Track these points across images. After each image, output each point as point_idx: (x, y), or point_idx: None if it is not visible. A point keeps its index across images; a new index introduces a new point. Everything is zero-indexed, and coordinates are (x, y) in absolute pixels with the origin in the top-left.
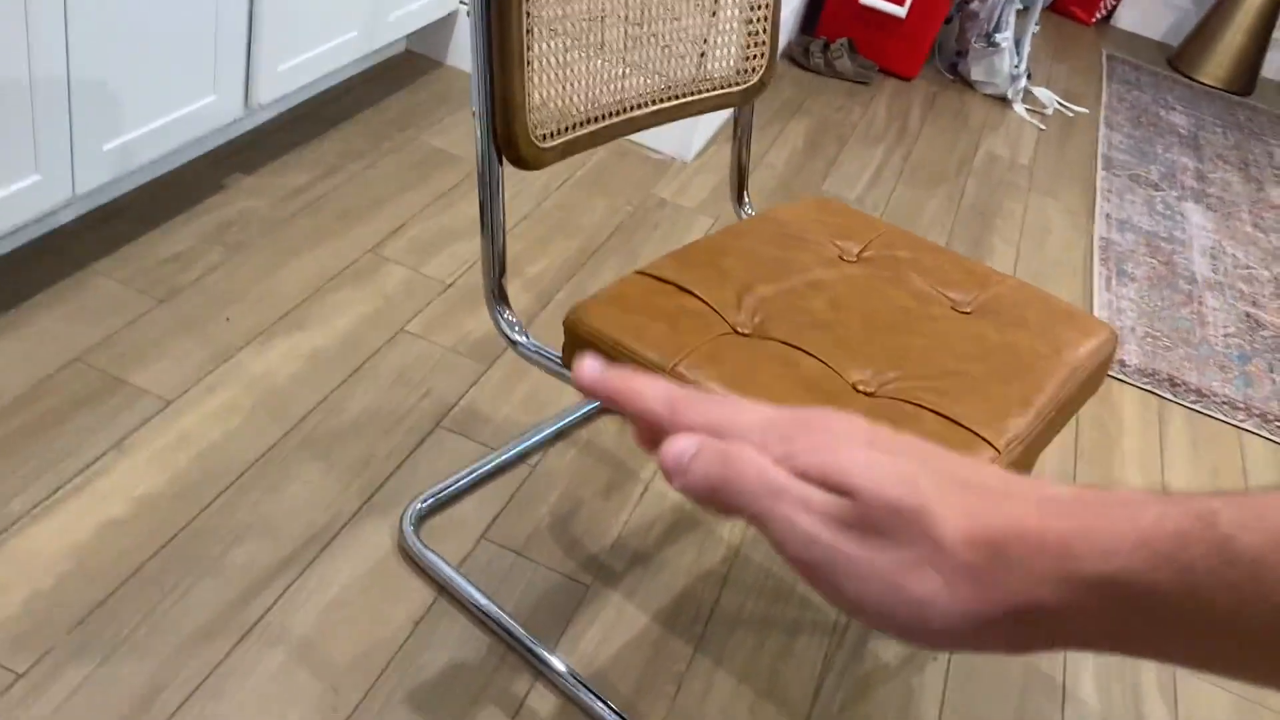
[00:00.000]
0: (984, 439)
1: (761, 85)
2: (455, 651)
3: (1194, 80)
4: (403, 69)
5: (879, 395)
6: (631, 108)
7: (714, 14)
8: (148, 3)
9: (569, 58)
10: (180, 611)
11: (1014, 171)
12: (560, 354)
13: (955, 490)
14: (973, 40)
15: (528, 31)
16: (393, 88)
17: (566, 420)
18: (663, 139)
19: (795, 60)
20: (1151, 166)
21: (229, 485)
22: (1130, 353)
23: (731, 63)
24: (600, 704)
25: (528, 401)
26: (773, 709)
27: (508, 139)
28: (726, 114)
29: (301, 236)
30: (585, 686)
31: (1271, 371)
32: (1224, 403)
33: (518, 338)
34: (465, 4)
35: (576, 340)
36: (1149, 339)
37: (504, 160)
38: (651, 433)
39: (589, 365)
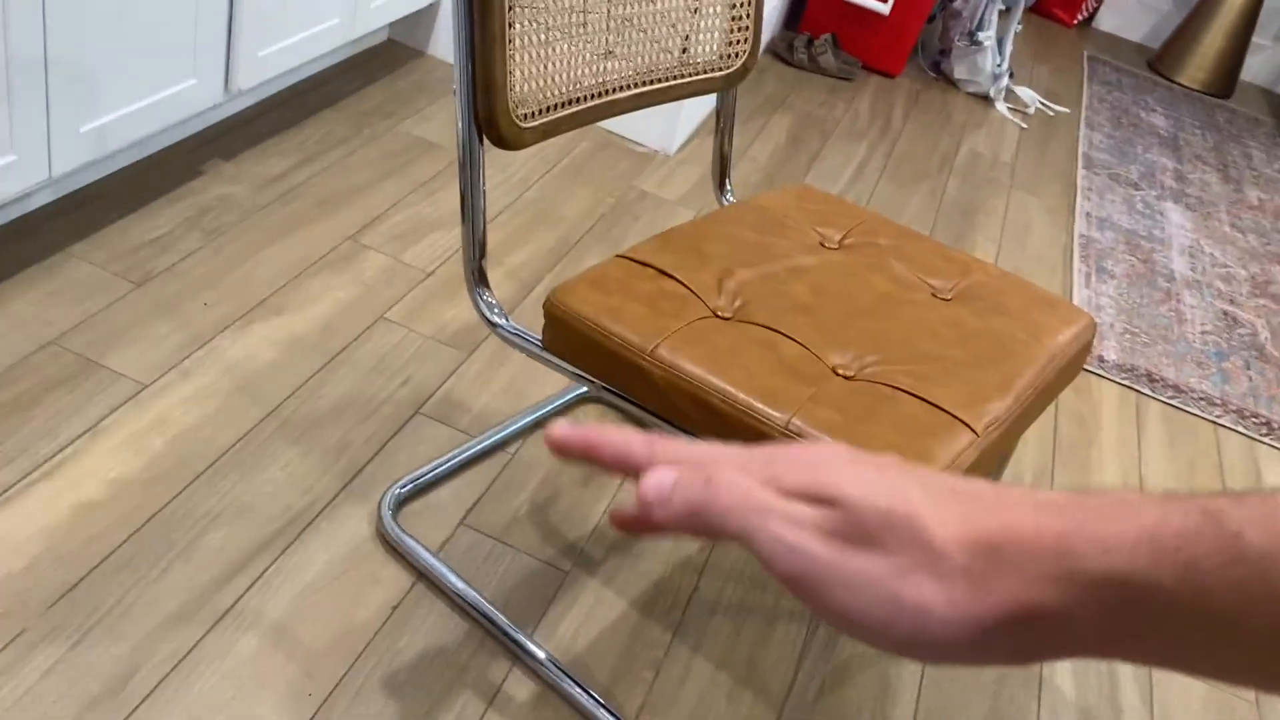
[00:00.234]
0: (962, 422)
1: (745, 70)
2: (432, 637)
3: (1174, 82)
4: (384, 57)
5: (858, 379)
6: (613, 90)
7: None
8: None
9: (550, 38)
10: (154, 595)
11: (996, 169)
12: (540, 338)
13: (946, 498)
14: (956, 39)
15: (509, 9)
16: (374, 76)
17: (546, 409)
18: (645, 131)
19: (779, 55)
20: (1131, 166)
21: (204, 469)
22: (1109, 349)
23: (715, 48)
24: (578, 690)
25: (507, 390)
26: (750, 696)
27: (488, 118)
28: (709, 108)
29: (281, 223)
30: (563, 672)
31: (1248, 368)
32: (1201, 398)
33: (498, 320)
34: None
35: (556, 322)
36: (1128, 335)
37: (484, 140)
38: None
39: (561, 424)
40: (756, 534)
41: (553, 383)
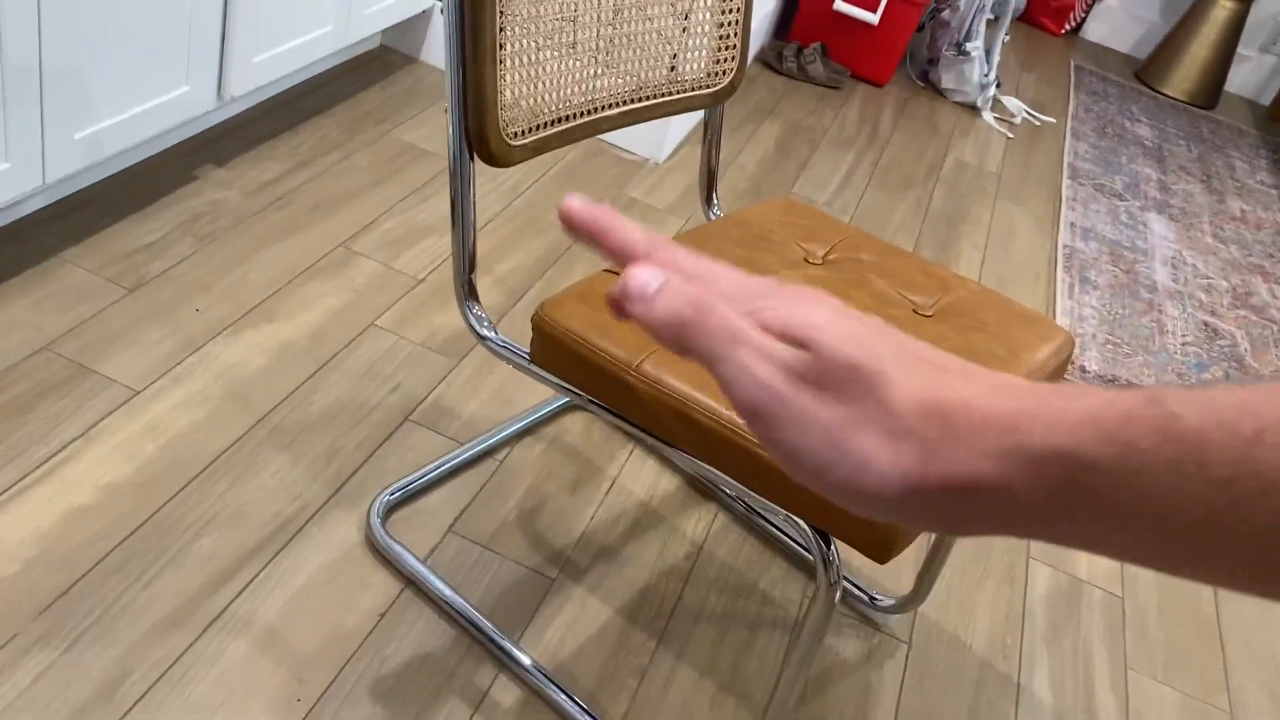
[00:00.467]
0: None
1: (732, 88)
2: (420, 643)
3: (1159, 93)
4: (377, 64)
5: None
6: (602, 107)
7: (686, 16)
8: None
9: (541, 56)
10: (145, 600)
11: (982, 178)
12: (528, 350)
13: (913, 362)
14: (944, 48)
15: (501, 29)
16: (367, 83)
17: (534, 416)
18: (635, 140)
19: (768, 64)
20: (1116, 176)
21: (196, 475)
22: (1091, 359)
23: (702, 65)
24: (563, 696)
25: (496, 397)
26: (733, 702)
27: (479, 136)
28: (698, 116)
29: (273, 229)
30: (549, 679)
31: (1227, 379)
32: None
33: (487, 333)
34: (440, 1)
35: (544, 336)
36: (1110, 345)
37: (475, 157)
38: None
39: (577, 198)
40: (725, 360)
41: (541, 391)
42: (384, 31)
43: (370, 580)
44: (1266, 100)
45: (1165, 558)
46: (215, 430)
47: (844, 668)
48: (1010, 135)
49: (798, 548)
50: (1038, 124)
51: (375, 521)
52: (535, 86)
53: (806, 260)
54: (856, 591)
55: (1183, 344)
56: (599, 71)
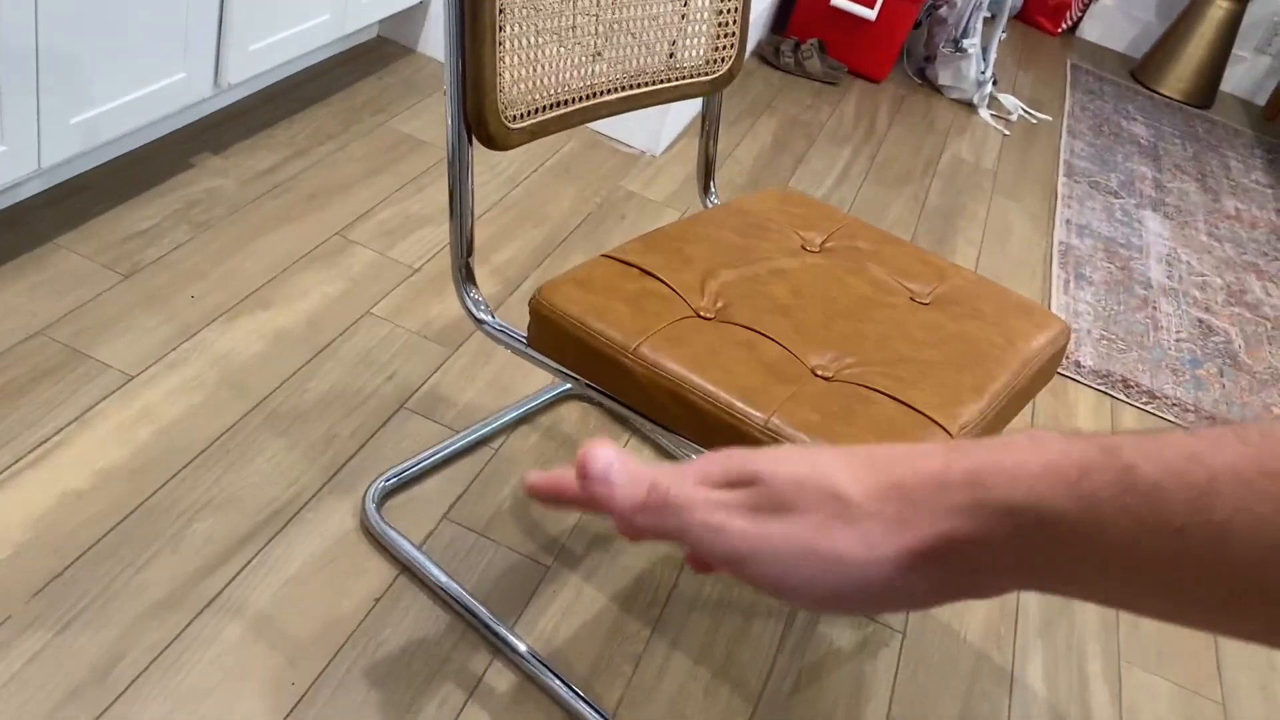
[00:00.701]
0: (937, 423)
1: (730, 76)
2: (415, 629)
3: (1155, 92)
4: (374, 54)
5: (836, 379)
6: (601, 93)
7: (685, 3)
8: None
9: (540, 40)
10: (139, 584)
11: (978, 175)
12: (525, 334)
13: (860, 459)
14: (940, 45)
15: (500, 11)
16: (364, 73)
17: (530, 405)
18: (632, 132)
19: (765, 59)
20: (1111, 174)
21: (190, 460)
22: (1085, 354)
23: (701, 52)
24: (557, 682)
25: (492, 385)
26: (727, 690)
27: (478, 117)
28: (696, 110)
29: (269, 217)
30: (543, 665)
31: (1222, 376)
32: (1174, 404)
33: (484, 316)
34: None
35: (542, 320)
36: (1104, 341)
37: (474, 139)
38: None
39: (534, 474)
40: (689, 527)
41: (537, 379)
42: (381, 22)
43: (365, 566)
44: (1261, 100)
45: (1138, 602)
46: (210, 416)
47: (838, 657)
48: (1006, 132)
49: None
50: (1034, 122)
51: (370, 507)
52: (534, 70)
53: (804, 248)
54: None
55: (1177, 340)
56: (598, 56)
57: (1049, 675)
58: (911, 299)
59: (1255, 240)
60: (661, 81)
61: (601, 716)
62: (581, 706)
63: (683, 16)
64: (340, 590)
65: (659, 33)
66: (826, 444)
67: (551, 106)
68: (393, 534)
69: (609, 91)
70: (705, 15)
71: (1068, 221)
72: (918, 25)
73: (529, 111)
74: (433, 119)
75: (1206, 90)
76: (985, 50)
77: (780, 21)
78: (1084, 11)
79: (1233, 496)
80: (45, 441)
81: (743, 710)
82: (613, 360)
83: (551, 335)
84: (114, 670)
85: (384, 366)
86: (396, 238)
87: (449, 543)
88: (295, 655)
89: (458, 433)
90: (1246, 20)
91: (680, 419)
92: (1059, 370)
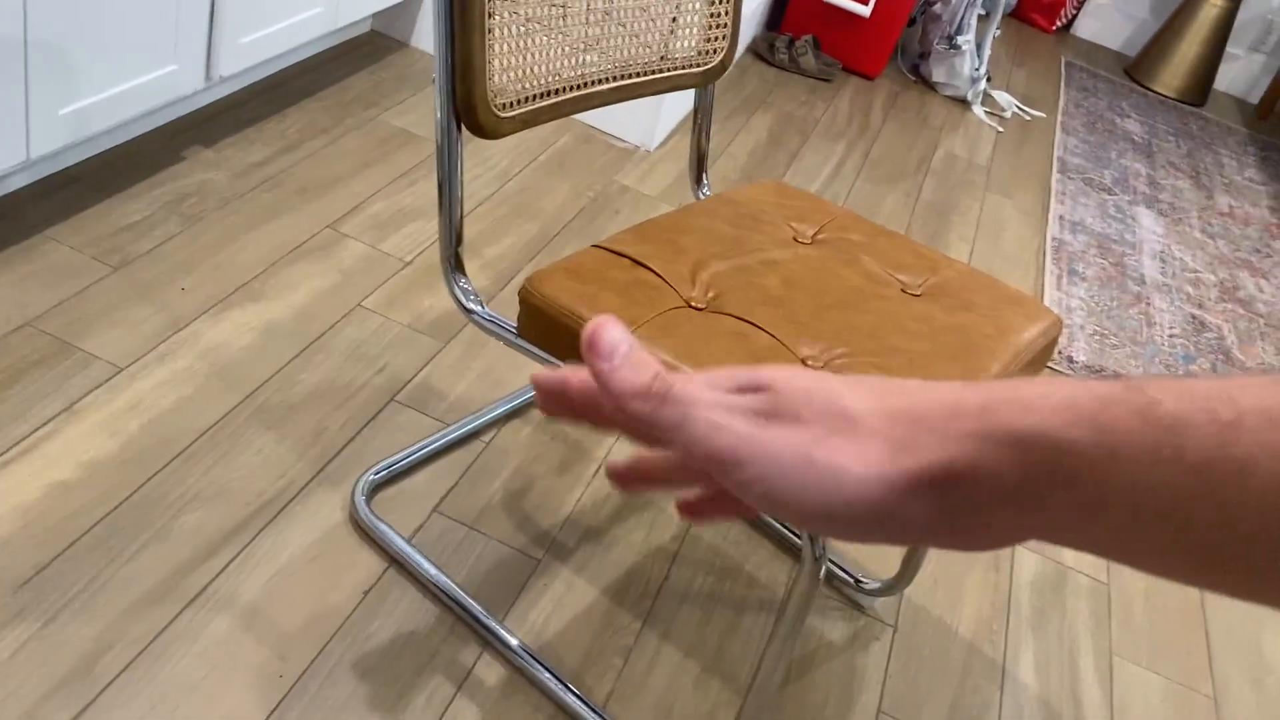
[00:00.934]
0: None
1: (722, 67)
2: (404, 622)
3: (1149, 89)
4: (367, 48)
5: (827, 370)
6: (592, 83)
7: None
8: None
9: (530, 29)
10: (126, 576)
11: (971, 171)
12: (515, 325)
13: (871, 384)
14: (935, 42)
15: (489, 0)
16: (357, 66)
17: (522, 398)
18: (626, 127)
19: (760, 55)
20: (1105, 171)
21: (179, 452)
22: (1078, 350)
23: (693, 43)
24: (547, 675)
25: (483, 379)
26: (717, 683)
27: (467, 106)
28: (690, 105)
29: (260, 210)
30: (533, 658)
31: (1214, 371)
32: None
33: (473, 306)
34: None
35: (531, 309)
36: (1097, 337)
37: (463, 128)
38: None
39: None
40: (686, 421)
41: (528, 371)
42: (374, 16)
43: (354, 559)
44: (1255, 98)
45: (1137, 549)
46: (200, 408)
47: (829, 650)
48: (1000, 129)
49: (784, 530)
50: (1028, 118)
51: (360, 500)
52: (525, 58)
53: (796, 240)
54: (842, 574)
55: (1170, 336)
56: (589, 46)
57: (1040, 669)
58: (903, 290)
59: (1248, 237)
60: (653, 72)
61: (591, 709)
62: (571, 699)
63: (676, 6)
64: (329, 583)
65: (650, 23)
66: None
67: (542, 95)
68: (382, 527)
69: (600, 81)
70: (697, 6)
71: (1061, 218)
72: (912, 22)
73: (519, 100)
74: (425, 113)
75: (1200, 88)
76: (979, 47)
77: (775, 18)
78: (1079, 9)
79: (1259, 433)
80: (33, 433)
81: (732, 703)
82: None
83: (541, 325)
84: (100, 662)
85: (375, 359)
86: (388, 231)
87: (439, 536)
88: (283, 648)
89: (449, 425)
90: (1240, 18)
91: None
92: (1051, 365)
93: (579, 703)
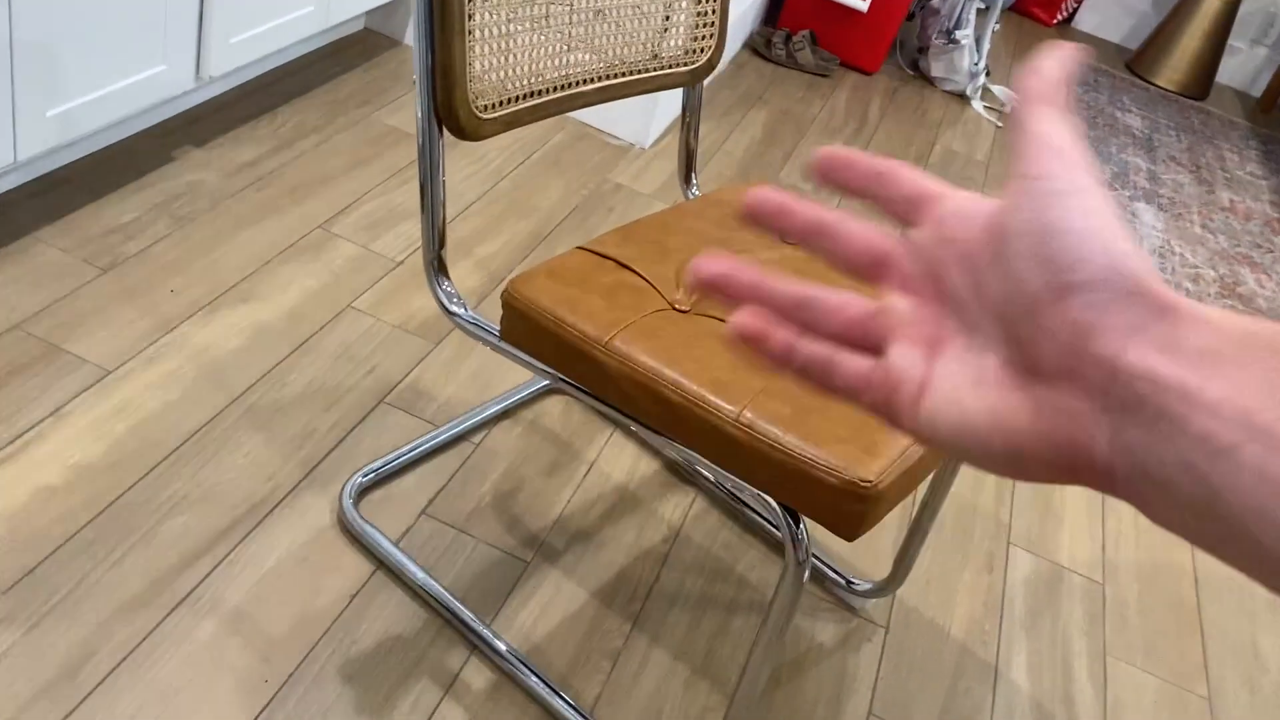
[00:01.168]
0: None
1: (710, 66)
2: (391, 625)
3: (1151, 83)
4: (360, 47)
5: None
6: (577, 83)
7: None
8: None
9: (511, 29)
10: (112, 580)
11: (970, 167)
12: (499, 327)
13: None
14: (933, 37)
15: (469, 0)
16: (349, 65)
17: (512, 399)
18: (621, 124)
19: (757, 51)
20: (1105, 166)
21: (167, 455)
22: None
23: (681, 42)
24: (535, 679)
25: (474, 380)
26: (706, 686)
27: (447, 108)
28: None
29: (251, 210)
30: (520, 661)
31: None
32: None
33: (456, 309)
34: None
35: (514, 312)
36: None
37: (444, 130)
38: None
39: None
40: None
41: (519, 373)
42: (367, 14)
43: (341, 562)
44: (1257, 92)
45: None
46: (187, 411)
47: (819, 652)
48: (1000, 124)
49: (776, 532)
50: None
51: (347, 503)
52: (506, 59)
53: (784, 240)
54: (832, 575)
55: None
56: (573, 46)
57: (1033, 670)
58: None
59: (1249, 232)
60: (640, 72)
61: (578, 712)
62: (558, 703)
63: (667, 4)
64: (315, 587)
65: (637, 22)
66: (798, 437)
67: (525, 96)
68: (369, 530)
69: (585, 82)
70: (684, 4)
71: None
72: (910, 17)
73: (501, 101)
74: None
75: (1202, 82)
76: (979, 41)
77: (772, 13)
78: (1080, 2)
79: None
80: (19, 437)
81: (721, 706)
82: (585, 353)
83: (524, 328)
84: (84, 667)
85: (364, 360)
86: (379, 231)
87: (427, 538)
88: (268, 652)
89: (438, 427)
90: (1242, 11)
91: (652, 413)
92: None
93: (566, 706)
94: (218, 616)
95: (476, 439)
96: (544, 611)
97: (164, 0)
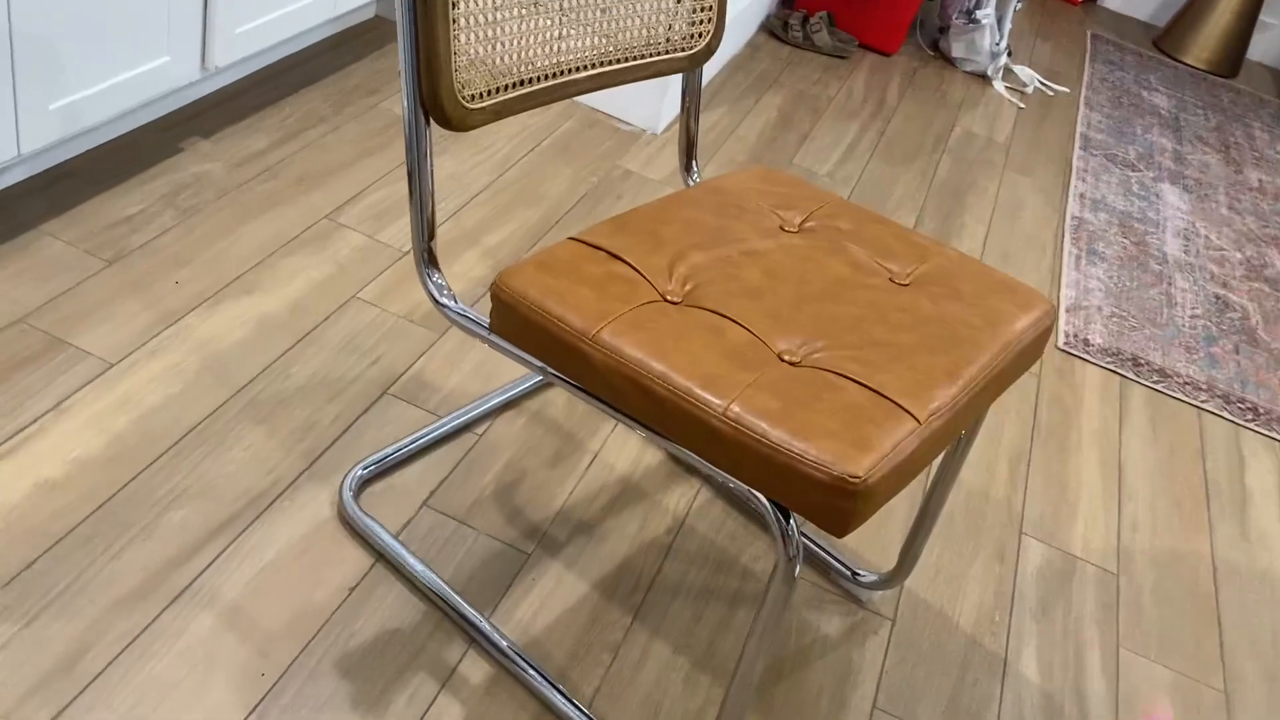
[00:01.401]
0: (905, 409)
1: (709, 51)
2: (389, 619)
3: (1179, 61)
4: (371, 35)
5: (804, 364)
6: (570, 70)
7: None
8: None
9: (499, 16)
10: (111, 573)
11: (990, 149)
12: (488, 319)
13: None
14: (954, 16)
15: None
16: (360, 53)
17: (516, 390)
18: (631, 110)
19: (773, 33)
20: (1129, 147)
21: (168, 448)
22: (1095, 332)
23: (678, 27)
24: (532, 672)
25: (478, 371)
26: (707, 680)
27: (433, 98)
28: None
29: (257, 201)
30: (519, 654)
31: (1237, 353)
32: (1186, 383)
33: (445, 301)
34: None
35: (502, 305)
36: (1115, 318)
37: (431, 120)
38: None
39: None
40: None
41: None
42: (379, 1)
43: (341, 555)
44: None
45: None
46: (190, 403)
47: (824, 644)
48: (1022, 105)
49: None
50: (1050, 94)
51: (347, 496)
52: (494, 47)
53: (782, 228)
54: (838, 566)
55: (1191, 316)
56: (565, 32)
57: (1044, 663)
58: (890, 280)
59: (1278, 213)
60: (635, 58)
61: (576, 707)
62: (556, 697)
63: None
64: (314, 580)
65: (630, 6)
66: (785, 431)
67: (514, 85)
68: (370, 522)
69: (578, 69)
70: None
71: (1081, 196)
72: None
73: (489, 91)
74: None
75: (1232, 59)
76: (1000, 21)
77: None
78: None
79: None
80: (21, 431)
81: (721, 700)
82: (572, 346)
83: (513, 321)
84: (82, 661)
85: (368, 351)
86: (386, 221)
87: (428, 530)
88: (266, 645)
89: (441, 419)
90: None
91: (640, 407)
92: (1067, 348)
93: (564, 700)
94: (215, 610)
95: (479, 430)
96: (544, 604)
97: None
